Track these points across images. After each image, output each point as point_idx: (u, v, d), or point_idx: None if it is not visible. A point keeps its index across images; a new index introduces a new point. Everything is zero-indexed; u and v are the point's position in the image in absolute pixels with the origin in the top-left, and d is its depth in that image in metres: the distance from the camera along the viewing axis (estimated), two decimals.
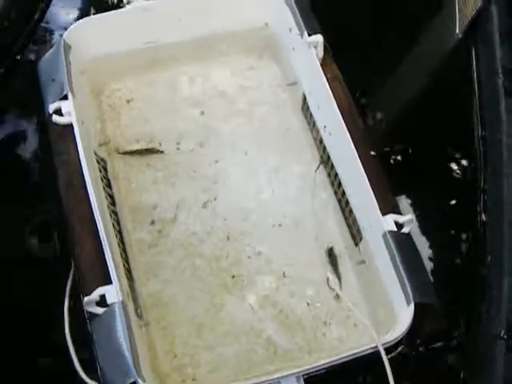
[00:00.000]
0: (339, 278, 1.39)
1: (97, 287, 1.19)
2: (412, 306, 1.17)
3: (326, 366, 1.13)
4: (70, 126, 1.34)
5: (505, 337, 1.28)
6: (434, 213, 1.50)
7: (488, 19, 1.63)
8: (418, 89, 1.70)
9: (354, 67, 1.52)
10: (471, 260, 1.45)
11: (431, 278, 1.37)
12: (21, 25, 1.69)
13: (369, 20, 1.77)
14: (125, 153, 1.52)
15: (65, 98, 1.37)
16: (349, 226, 1.43)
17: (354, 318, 1.35)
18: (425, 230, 1.46)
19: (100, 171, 1.42)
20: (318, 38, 1.42)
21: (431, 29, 1.75)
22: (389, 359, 1.15)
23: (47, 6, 1.76)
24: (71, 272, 1.31)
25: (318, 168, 1.49)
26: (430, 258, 1.43)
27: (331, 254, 1.42)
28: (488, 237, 1.45)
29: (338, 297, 1.37)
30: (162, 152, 1.53)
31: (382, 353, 1.12)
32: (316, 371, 1.14)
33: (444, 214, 1.50)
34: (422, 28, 1.75)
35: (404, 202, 1.50)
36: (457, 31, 1.73)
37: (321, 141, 1.49)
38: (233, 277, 1.40)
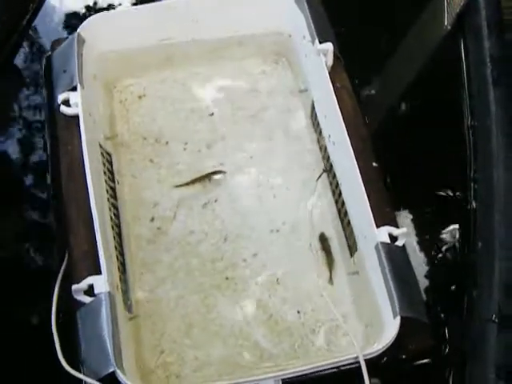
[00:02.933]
0: (330, 272, 1.40)
1: (86, 276, 1.21)
2: (398, 318, 1.16)
3: (305, 372, 1.13)
4: (77, 117, 1.36)
5: (496, 320, 1.27)
6: (433, 230, 1.48)
7: (476, 10, 1.63)
8: (408, 81, 1.69)
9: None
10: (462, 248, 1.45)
11: (424, 295, 1.37)
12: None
13: (356, 13, 1.77)
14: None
15: (74, 89, 1.40)
16: (346, 237, 1.42)
17: (344, 329, 1.33)
18: (423, 247, 1.44)
19: (104, 164, 1.43)
20: (328, 46, 1.42)
21: (420, 21, 1.75)
22: (372, 371, 1.14)
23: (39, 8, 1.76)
24: (64, 261, 1.31)
25: (320, 176, 1.48)
26: (426, 276, 1.41)
27: (324, 240, 1.43)
28: (478, 224, 1.45)
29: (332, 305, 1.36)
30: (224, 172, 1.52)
31: (362, 364, 1.12)
32: (296, 377, 1.13)
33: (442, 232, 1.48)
34: (411, 20, 1.75)
35: (405, 217, 1.48)
36: (445, 23, 1.72)
37: (325, 149, 1.49)
38: (226, 278, 1.40)
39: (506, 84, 1.54)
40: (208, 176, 1.50)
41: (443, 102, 1.66)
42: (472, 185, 1.52)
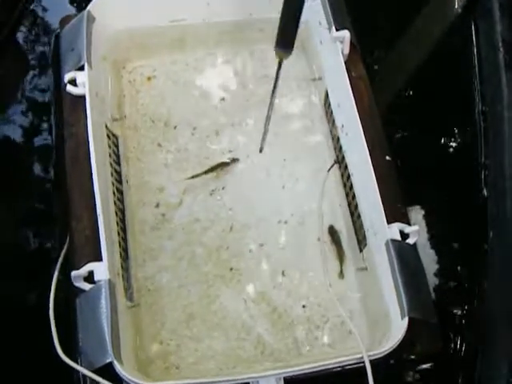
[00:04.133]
0: (341, 266, 1.37)
1: (87, 263, 1.17)
2: (406, 320, 1.13)
3: (308, 370, 1.09)
4: (83, 98, 1.32)
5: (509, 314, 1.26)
6: (445, 227, 1.44)
7: None
8: (419, 64, 1.66)
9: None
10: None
11: (433, 294, 1.34)
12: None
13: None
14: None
15: (82, 68, 1.35)
16: (355, 231, 1.38)
17: (349, 326, 1.29)
18: (434, 244, 1.41)
19: (109, 147, 1.39)
20: (345, 34, 1.37)
21: (431, 4, 1.72)
22: (378, 373, 1.11)
23: None
24: (65, 245, 1.28)
25: (331, 167, 1.44)
26: (435, 274, 1.37)
27: (334, 233, 1.40)
28: (489, 211, 1.42)
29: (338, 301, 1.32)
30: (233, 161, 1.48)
31: (367, 364, 1.08)
32: (298, 375, 1.10)
33: (455, 229, 1.43)
34: (422, 3, 1.72)
35: (417, 212, 1.44)
36: (456, 6, 1.69)
37: (338, 140, 1.44)
38: (231, 269, 1.37)
39: None
40: (218, 166, 1.47)
41: (454, 87, 1.63)
42: (483, 171, 1.49)
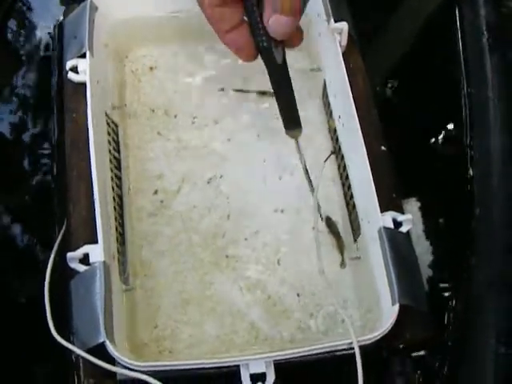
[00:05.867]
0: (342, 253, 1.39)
1: (83, 245, 1.19)
2: (397, 306, 1.13)
3: (297, 355, 1.10)
4: (84, 85, 1.34)
5: (497, 284, 1.28)
6: (440, 218, 1.45)
7: None
8: (404, 49, 1.67)
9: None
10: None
11: (427, 285, 1.35)
12: None
13: None
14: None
15: (84, 56, 1.37)
16: (350, 221, 1.39)
17: (343, 314, 1.30)
18: (429, 235, 1.41)
19: (109, 134, 1.41)
20: (343, 26, 1.38)
21: None
22: (369, 360, 1.11)
23: None
24: (62, 229, 1.30)
25: (327, 158, 1.45)
26: (429, 266, 1.38)
27: (331, 223, 1.41)
28: (476, 190, 1.44)
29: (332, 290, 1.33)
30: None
31: (356, 350, 1.09)
32: (288, 359, 1.11)
33: (450, 221, 1.44)
34: None
35: (413, 204, 1.45)
36: None
37: (335, 131, 1.46)
38: (227, 256, 1.38)
39: (502, 51, 1.53)
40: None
41: (440, 71, 1.65)
42: (469, 152, 1.50)
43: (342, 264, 1.37)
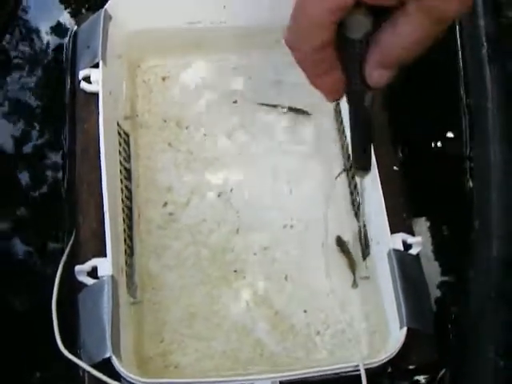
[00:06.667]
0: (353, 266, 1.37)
1: (91, 258, 1.19)
2: (404, 330, 1.13)
3: (304, 375, 1.10)
4: (97, 95, 1.34)
5: (495, 297, 1.27)
6: (449, 239, 1.44)
7: None
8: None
9: None
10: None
11: (436, 306, 1.34)
12: None
13: None
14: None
15: (97, 66, 1.38)
16: (360, 240, 1.38)
17: (349, 333, 1.30)
18: (438, 256, 1.41)
19: (120, 144, 1.41)
20: None
21: None
22: (374, 381, 1.11)
23: None
24: (71, 240, 1.29)
25: (338, 175, 1.45)
26: (438, 286, 1.38)
27: (342, 242, 1.40)
28: (475, 202, 1.43)
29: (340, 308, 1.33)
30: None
31: (362, 373, 1.09)
32: (294, 380, 1.11)
33: (459, 243, 1.43)
34: None
35: (423, 224, 1.44)
36: None
37: (347, 148, 1.45)
38: (235, 271, 1.38)
39: (501, 62, 1.52)
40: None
41: (440, 84, 1.63)
42: (468, 164, 1.50)
43: (354, 284, 1.36)
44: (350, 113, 1.14)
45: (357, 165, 1.21)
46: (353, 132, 1.17)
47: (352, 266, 1.38)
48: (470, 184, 1.47)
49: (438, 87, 1.63)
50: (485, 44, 1.54)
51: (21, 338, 1.27)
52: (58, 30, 1.63)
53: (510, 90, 1.50)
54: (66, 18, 1.65)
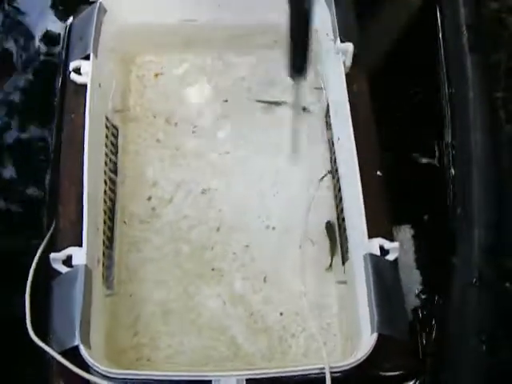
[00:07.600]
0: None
1: (68, 247, 1.19)
2: (375, 335, 1.12)
3: (269, 375, 1.09)
4: (85, 87, 1.34)
5: (477, 284, 1.28)
6: (431, 248, 1.43)
7: None
8: (389, 49, 1.65)
9: None
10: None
11: (412, 315, 1.33)
12: None
13: None
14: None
15: (88, 57, 1.38)
16: (341, 244, 1.38)
17: (324, 337, 1.30)
18: (420, 265, 1.40)
19: (107, 137, 1.41)
20: (348, 47, 1.38)
21: None
22: None
23: None
24: (51, 230, 1.30)
25: (323, 177, 1.44)
26: (417, 296, 1.37)
27: (329, 228, 1.40)
28: (457, 190, 1.44)
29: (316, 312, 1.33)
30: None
31: (327, 376, 1.07)
32: (260, 379, 1.10)
33: (440, 251, 1.42)
34: None
35: (405, 232, 1.43)
36: None
37: (334, 151, 1.44)
38: (213, 269, 1.38)
39: (482, 51, 1.53)
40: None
41: (422, 71, 1.64)
42: (450, 151, 1.51)
43: (330, 268, 1.37)
44: (291, 14, 1.12)
45: (292, 67, 1.20)
46: (291, 33, 1.15)
47: (332, 250, 1.38)
48: (452, 172, 1.48)
49: (419, 76, 1.63)
50: (465, 32, 1.55)
51: None
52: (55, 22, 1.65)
53: (491, 79, 1.52)
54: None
